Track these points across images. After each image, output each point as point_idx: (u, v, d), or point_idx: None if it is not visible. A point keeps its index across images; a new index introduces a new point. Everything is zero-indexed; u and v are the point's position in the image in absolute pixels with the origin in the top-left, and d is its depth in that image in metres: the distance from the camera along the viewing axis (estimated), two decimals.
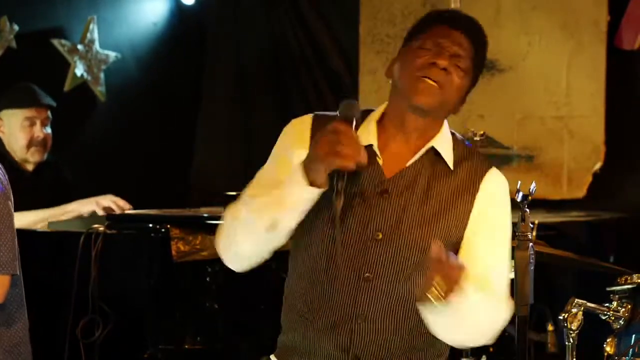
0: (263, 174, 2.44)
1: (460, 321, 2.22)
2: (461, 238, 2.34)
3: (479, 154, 2.42)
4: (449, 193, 2.34)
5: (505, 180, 2.39)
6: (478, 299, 2.21)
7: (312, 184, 2.21)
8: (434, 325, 2.27)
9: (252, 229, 2.30)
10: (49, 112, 4.63)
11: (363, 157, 2.20)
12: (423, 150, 2.36)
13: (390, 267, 2.32)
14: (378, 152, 2.36)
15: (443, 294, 2.09)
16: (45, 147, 4.60)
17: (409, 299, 2.31)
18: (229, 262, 2.39)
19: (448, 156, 2.37)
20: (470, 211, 2.34)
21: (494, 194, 2.35)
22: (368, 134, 2.37)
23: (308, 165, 2.22)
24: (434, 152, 2.37)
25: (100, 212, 4.42)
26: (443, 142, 2.38)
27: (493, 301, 2.28)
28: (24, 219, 4.20)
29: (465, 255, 2.30)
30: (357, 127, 2.24)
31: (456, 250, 2.32)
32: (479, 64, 2.39)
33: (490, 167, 2.38)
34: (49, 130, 4.62)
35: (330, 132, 2.19)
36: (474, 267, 2.23)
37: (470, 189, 2.34)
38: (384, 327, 2.33)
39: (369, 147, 2.33)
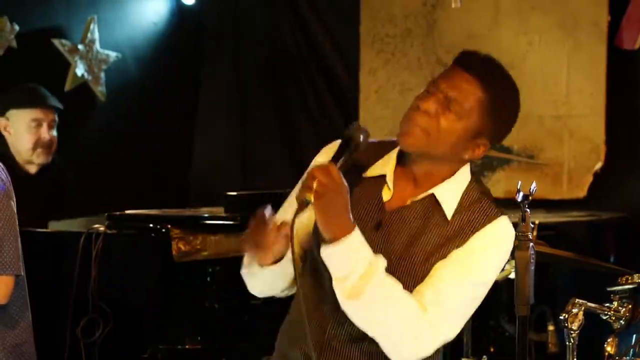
0: (282, 206, 2.45)
1: (372, 312, 2.20)
2: None
3: (486, 205, 2.33)
4: (435, 243, 2.29)
5: (509, 233, 2.30)
6: (395, 292, 2.20)
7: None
8: (354, 318, 2.24)
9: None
10: (55, 115, 4.61)
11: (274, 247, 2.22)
12: (422, 194, 2.34)
13: None
14: (390, 184, 2.36)
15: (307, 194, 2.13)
16: (50, 149, 4.58)
17: None
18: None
19: (448, 206, 2.32)
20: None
21: (484, 238, 2.28)
22: (386, 164, 2.39)
23: None
24: (434, 198, 2.33)
25: None
26: (447, 190, 2.33)
27: (413, 309, 2.21)
28: None
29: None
30: (356, 151, 2.25)
31: None
32: (494, 105, 2.30)
33: (494, 219, 2.29)
34: (54, 132, 4.61)
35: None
36: (421, 285, 2.25)
37: (461, 240, 2.28)
38: (353, 351, 2.32)
39: (381, 177, 2.36)
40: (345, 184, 2.17)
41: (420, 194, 2.34)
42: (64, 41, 5.36)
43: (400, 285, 2.22)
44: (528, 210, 2.43)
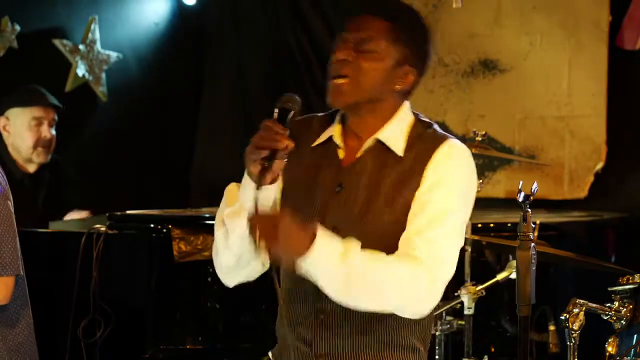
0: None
1: (371, 296, 2.21)
2: None
3: (435, 132, 2.38)
4: (395, 181, 2.32)
5: (459, 150, 2.34)
6: (386, 269, 2.20)
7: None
8: (356, 307, 2.24)
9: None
10: (55, 114, 4.62)
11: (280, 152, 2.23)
12: (368, 142, 2.38)
13: None
14: (340, 144, 2.40)
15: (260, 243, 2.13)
16: (49, 148, 4.59)
17: None
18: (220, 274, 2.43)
19: (396, 145, 2.36)
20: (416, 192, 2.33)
21: (437, 167, 2.31)
22: (333, 128, 2.43)
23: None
24: (381, 143, 2.37)
25: None
26: (391, 131, 2.37)
27: (404, 265, 2.22)
28: None
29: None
30: (294, 120, 2.33)
31: None
32: (403, 31, 2.36)
33: (441, 143, 2.33)
34: (53, 131, 4.61)
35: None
36: (407, 234, 2.27)
37: (417, 171, 2.32)
38: (344, 323, 2.33)
39: (329, 140, 2.41)
40: (281, 212, 2.20)
41: (366, 143, 2.37)
42: (65, 41, 5.37)
43: (383, 255, 2.22)
44: (529, 210, 2.43)
